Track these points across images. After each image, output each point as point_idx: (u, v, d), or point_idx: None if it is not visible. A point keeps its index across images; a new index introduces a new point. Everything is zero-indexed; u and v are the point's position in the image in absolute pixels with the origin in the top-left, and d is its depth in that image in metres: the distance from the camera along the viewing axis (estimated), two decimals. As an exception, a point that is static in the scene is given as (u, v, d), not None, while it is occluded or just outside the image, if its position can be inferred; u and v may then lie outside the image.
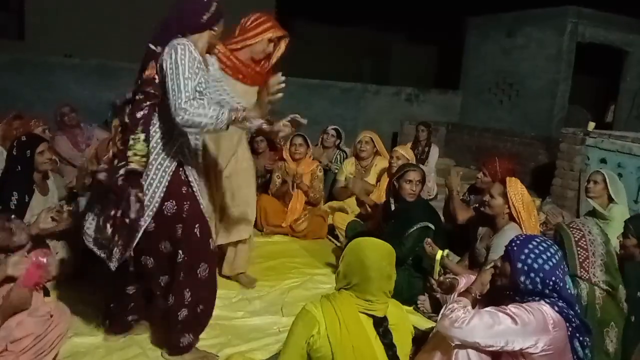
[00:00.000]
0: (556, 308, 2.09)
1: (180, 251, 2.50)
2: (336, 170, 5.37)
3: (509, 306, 2.11)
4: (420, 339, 2.58)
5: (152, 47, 2.35)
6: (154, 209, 2.39)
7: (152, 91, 2.33)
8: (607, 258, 2.57)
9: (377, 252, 2.04)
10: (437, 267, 3.27)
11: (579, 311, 2.17)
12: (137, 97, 2.35)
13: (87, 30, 8.22)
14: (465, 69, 10.47)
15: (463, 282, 2.54)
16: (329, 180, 5.40)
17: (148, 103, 2.33)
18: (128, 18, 8.41)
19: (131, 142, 2.27)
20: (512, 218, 3.21)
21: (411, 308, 3.42)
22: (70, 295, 3.18)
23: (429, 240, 3.36)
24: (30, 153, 3.28)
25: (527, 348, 2.02)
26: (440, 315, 2.22)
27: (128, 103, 2.40)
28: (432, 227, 3.54)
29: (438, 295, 3.32)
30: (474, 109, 10.17)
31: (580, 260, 2.55)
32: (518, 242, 2.20)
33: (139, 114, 2.30)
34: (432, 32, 12.54)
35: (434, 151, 6.71)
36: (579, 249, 2.57)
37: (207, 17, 2.41)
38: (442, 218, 4.05)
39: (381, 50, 14.21)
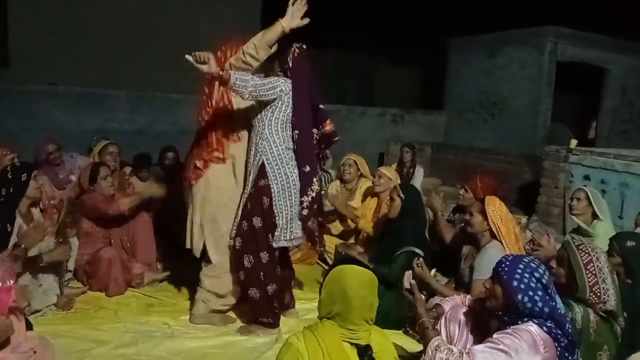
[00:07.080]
0: (544, 328, 2.08)
1: None
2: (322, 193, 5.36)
3: (498, 336, 2.08)
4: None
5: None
6: None
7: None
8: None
9: (359, 281, 2.00)
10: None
11: (569, 330, 2.15)
12: None
13: (71, 58, 8.21)
14: (448, 89, 10.59)
15: (449, 305, 2.53)
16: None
17: None
18: (111, 45, 8.43)
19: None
20: (493, 235, 3.22)
21: (400, 331, 3.39)
22: (53, 328, 3.12)
23: (421, 260, 3.35)
24: (26, 177, 3.25)
25: None
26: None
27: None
28: (420, 252, 3.54)
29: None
30: (459, 128, 10.26)
31: (590, 284, 2.45)
32: (508, 262, 2.18)
33: None
34: (415, 54, 12.68)
35: (419, 172, 6.70)
36: (587, 272, 2.46)
37: None
38: (428, 238, 4.06)
39: (365, 72, 14.32)
